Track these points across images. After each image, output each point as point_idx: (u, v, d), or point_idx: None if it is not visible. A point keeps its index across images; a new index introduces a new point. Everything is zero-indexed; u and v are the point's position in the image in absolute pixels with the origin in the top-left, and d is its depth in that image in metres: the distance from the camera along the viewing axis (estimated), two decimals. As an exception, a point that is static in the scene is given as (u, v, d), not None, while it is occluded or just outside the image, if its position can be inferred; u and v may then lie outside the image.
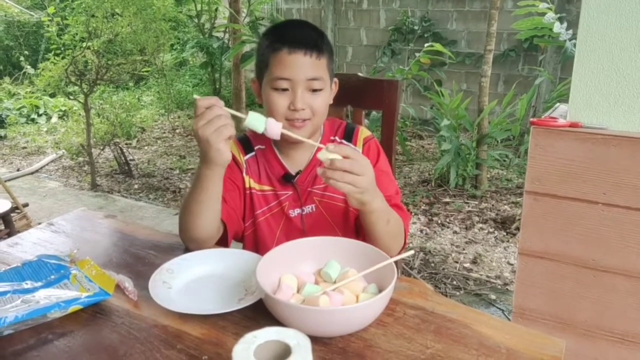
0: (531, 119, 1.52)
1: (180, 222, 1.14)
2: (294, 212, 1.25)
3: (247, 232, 1.28)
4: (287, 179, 1.24)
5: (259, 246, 1.27)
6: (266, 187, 1.25)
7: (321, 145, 0.97)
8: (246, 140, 1.28)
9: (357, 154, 0.98)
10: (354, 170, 0.94)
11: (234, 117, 1.02)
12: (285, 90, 1.14)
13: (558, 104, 1.76)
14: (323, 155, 0.95)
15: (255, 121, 1.03)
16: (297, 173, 1.24)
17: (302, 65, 1.12)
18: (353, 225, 1.28)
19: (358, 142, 1.27)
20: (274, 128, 1.02)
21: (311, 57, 1.13)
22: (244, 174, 1.25)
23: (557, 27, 2.35)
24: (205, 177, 1.05)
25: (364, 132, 1.29)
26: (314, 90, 1.15)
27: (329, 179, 0.95)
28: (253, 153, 1.26)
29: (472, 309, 0.95)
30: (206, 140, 0.98)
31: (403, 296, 0.97)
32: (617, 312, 1.53)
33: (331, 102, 1.22)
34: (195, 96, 1.02)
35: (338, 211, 1.26)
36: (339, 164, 0.94)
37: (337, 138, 1.28)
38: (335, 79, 1.25)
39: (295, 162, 1.25)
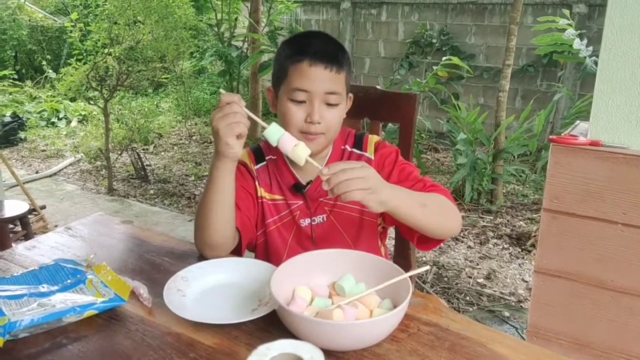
0: (551, 137, 1.51)
1: (195, 226, 1.15)
2: (305, 222, 1.25)
3: (259, 241, 1.28)
4: (297, 188, 1.24)
5: (270, 255, 1.27)
6: (277, 197, 1.26)
7: (321, 168, 0.95)
8: (259, 151, 1.29)
9: (350, 163, 0.98)
10: (354, 175, 0.92)
11: (254, 123, 1.04)
12: (302, 102, 1.14)
13: (578, 121, 1.74)
14: (324, 180, 0.94)
15: (273, 133, 1.04)
16: (308, 183, 1.24)
17: (321, 79, 1.13)
18: (367, 235, 1.27)
19: (369, 148, 1.27)
20: (287, 142, 1.03)
21: (331, 71, 1.13)
22: (256, 183, 1.25)
23: (577, 44, 2.33)
24: (215, 169, 1.08)
25: (373, 138, 1.30)
26: (330, 105, 1.15)
27: (340, 193, 0.93)
28: (264, 162, 1.27)
29: (488, 328, 0.94)
30: (217, 132, 1.02)
31: (417, 312, 0.97)
32: (635, 335, 1.50)
33: (344, 116, 1.22)
34: (221, 90, 1.07)
35: (351, 222, 1.26)
36: (336, 178, 0.92)
37: (347, 147, 1.28)
38: (350, 95, 1.25)
39: (306, 172, 1.24)
